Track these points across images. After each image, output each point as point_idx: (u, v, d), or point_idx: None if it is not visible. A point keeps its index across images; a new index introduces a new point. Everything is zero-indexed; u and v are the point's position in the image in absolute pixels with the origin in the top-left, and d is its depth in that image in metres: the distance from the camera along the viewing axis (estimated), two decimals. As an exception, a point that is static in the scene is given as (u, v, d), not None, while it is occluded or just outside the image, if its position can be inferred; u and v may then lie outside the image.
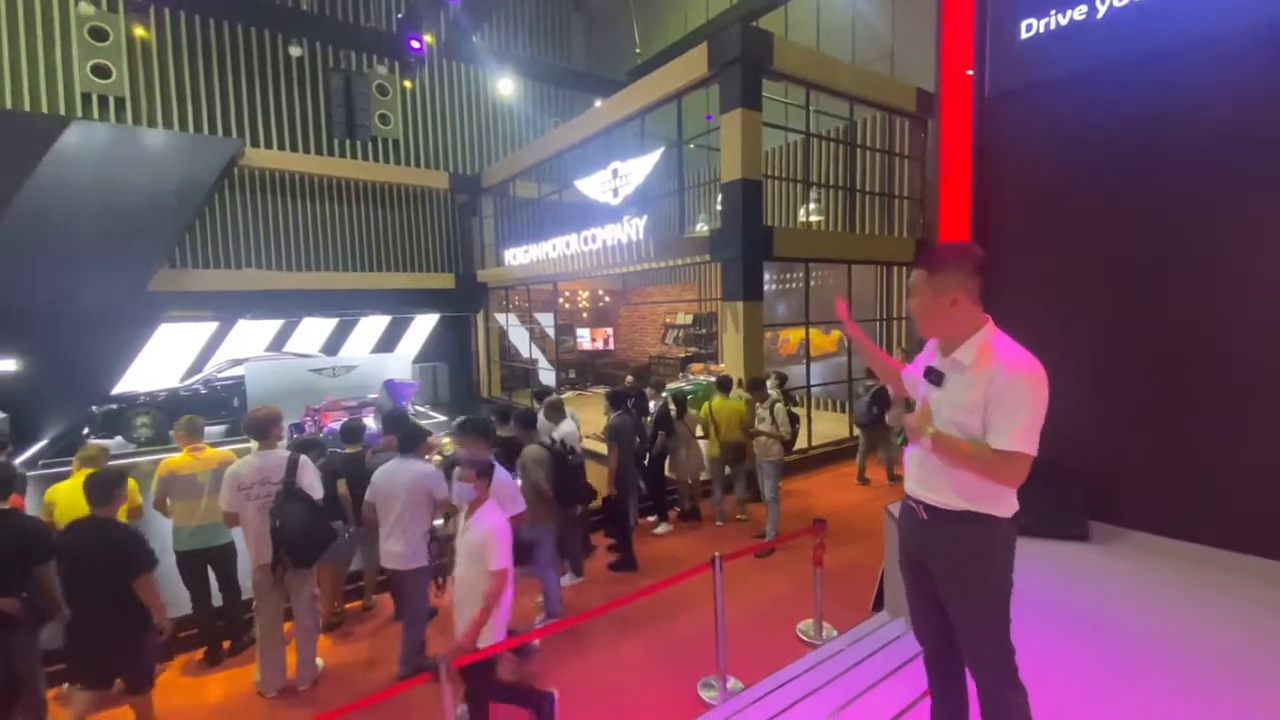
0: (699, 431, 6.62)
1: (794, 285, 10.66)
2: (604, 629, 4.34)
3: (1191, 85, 3.06)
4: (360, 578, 4.93)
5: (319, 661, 4.00)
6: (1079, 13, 3.30)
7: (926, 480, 1.95)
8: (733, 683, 3.55)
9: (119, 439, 10.47)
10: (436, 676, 2.50)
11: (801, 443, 7.94)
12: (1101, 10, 3.22)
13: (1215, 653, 2.52)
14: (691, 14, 15.06)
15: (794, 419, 6.10)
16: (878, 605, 4.11)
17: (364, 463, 4.82)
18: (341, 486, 4.45)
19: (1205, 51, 2.97)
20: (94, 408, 10.56)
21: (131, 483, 3.89)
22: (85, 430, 10.56)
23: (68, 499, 3.77)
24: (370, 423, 6.18)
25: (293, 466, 3.77)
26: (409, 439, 4.01)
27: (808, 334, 9.00)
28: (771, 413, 5.76)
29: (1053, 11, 3.42)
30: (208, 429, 6.51)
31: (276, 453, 3.82)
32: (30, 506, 3.80)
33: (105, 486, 3.20)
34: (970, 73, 3.72)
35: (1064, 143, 3.55)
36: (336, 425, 7.33)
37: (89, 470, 3.87)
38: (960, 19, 3.91)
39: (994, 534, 1.85)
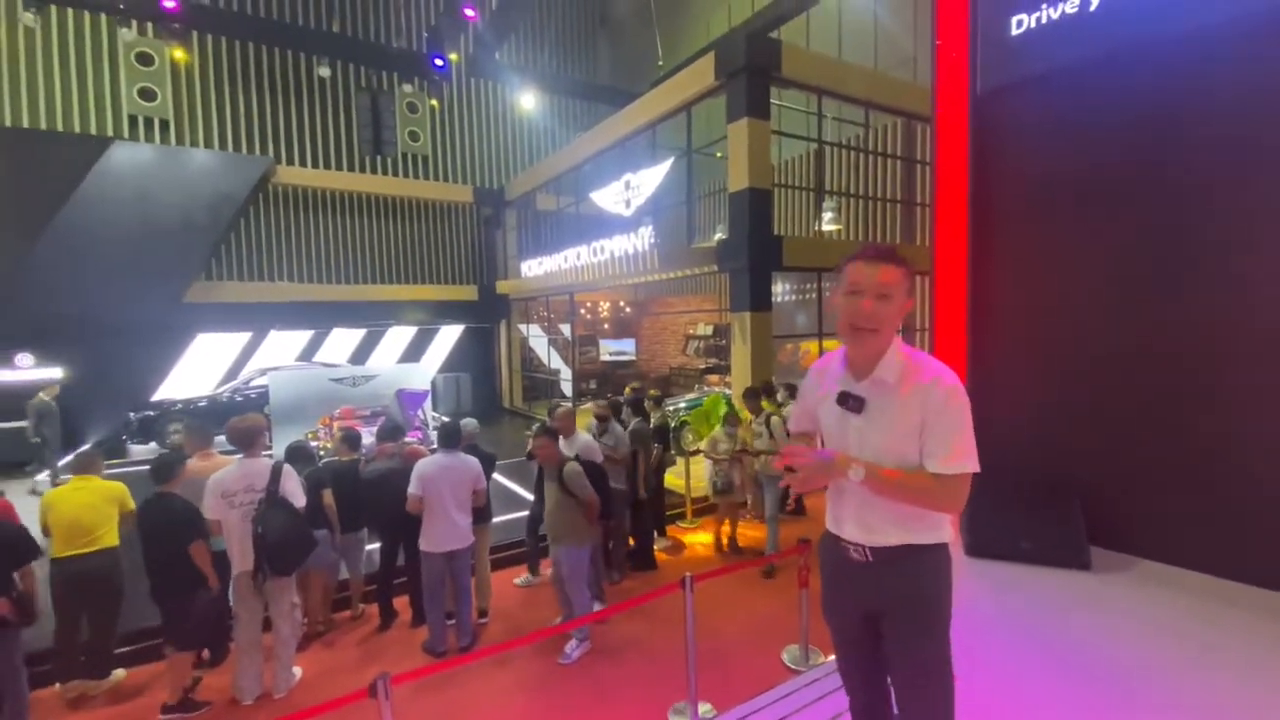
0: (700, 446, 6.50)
1: (815, 295, 10.44)
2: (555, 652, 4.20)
3: (1189, 77, 2.85)
4: (348, 587, 4.95)
5: (297, 670, 4.01)
6: (1070, 6, 3.13)
7: (860, 519, 1.71)
8: (705, 708, 3.41)
9: (153, 444, 10.90)
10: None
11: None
12: (1095, 3, 3.04)
13: (1226, 700, 2.29)
14: (714, 24, 15.05)
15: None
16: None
17: (358, 471, 4.88)
18: (327, 496, 4.49)
19: (1203, 43, 2.77)
20: (131, 414, 11.04)
21: (120, 486, 4.04)
22: (124, 436, 11.04)
23: (63, 501, 3.88)
24: (366, 434, 6.24)
25: (276, 474, 3.82)
26: (449, 434, 4.45)
27: (821, 345, 8.77)
28: (768, 427, 5.58)
29: (1044, 6, 3.25)
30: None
31: (260, 461, 3.88)
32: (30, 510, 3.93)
33: (165, 467, 3.77)
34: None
35: (1058, 137, 3.37)
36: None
37: (84, 475, 4.04)
38: (954, 17, 3.76)
39: (943, 564, 1.70)
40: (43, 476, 9.14)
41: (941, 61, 3.84)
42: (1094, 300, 3.37)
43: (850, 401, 1.67)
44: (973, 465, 1.56)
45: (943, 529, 1.70)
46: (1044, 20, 3.25)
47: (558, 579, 4.37)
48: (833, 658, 3.68)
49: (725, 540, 6.01)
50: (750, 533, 6.40)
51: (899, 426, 1.61)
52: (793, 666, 3.93)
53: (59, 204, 10.35)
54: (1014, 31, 3.39)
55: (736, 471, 5.77)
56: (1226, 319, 2.91)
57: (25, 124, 11.28)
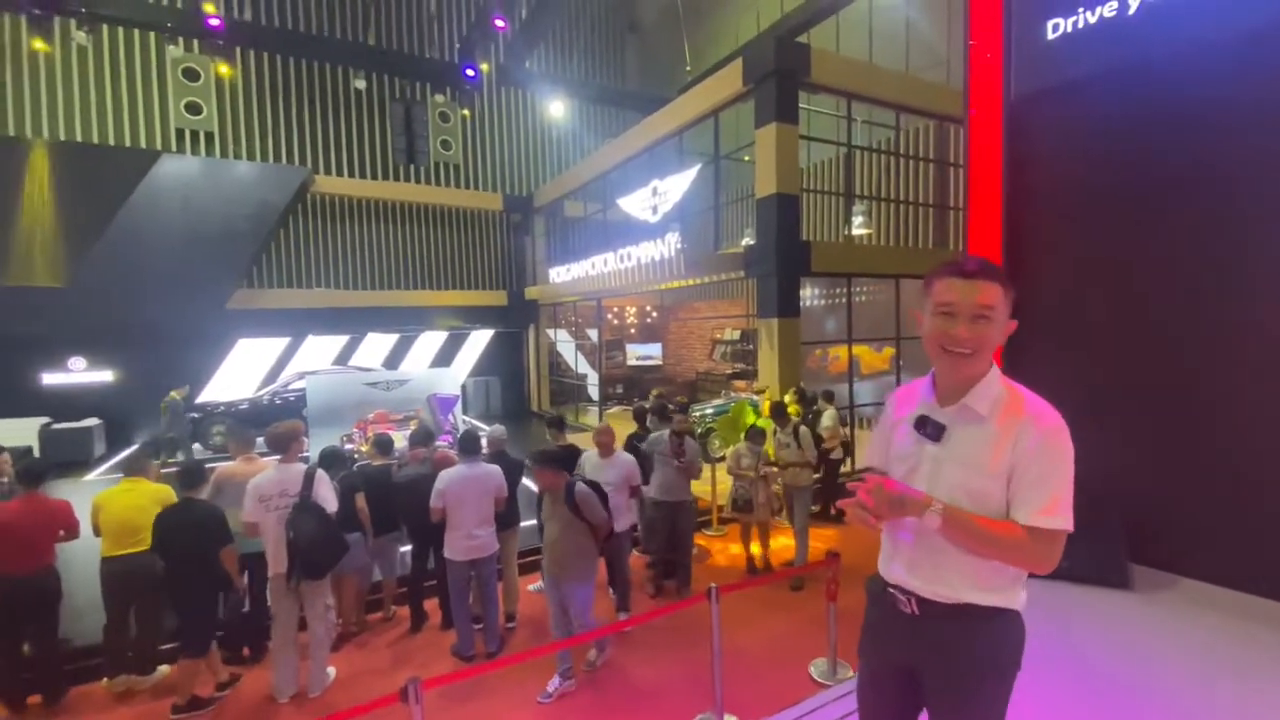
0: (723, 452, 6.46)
1: (844, 300, 10.32)
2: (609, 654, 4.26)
3: (1234, 81, 2.75)
4: (381, 589, 5.06)
5: (331, 670, 4.11)
6: (1109, 10, 3.04)
7: (921, 566, 1.50)
8: (730, 720, 3.40)
9: (197, 445, 11.30)
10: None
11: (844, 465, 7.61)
12: (1134, 6, 2.95)
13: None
14: (743, 29, 15.01)
15: (819, 441, 5.80)
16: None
17: (391, 475, 4.99)
18: (360, 500, 4.60)
19: (1248, 46, 2.66)
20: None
21: (165, 488, 4.20)
22: (170, 437, 11.49)
23: (113, 502, 4.06)
24: (398, 438, 6.37)
25: (309, 480, 3.93)
26: (469, 444, 4.47)
27: (850, 351, 8.65)
28: (796, 437, 5.51)
29: (1080, 10, 3.17)
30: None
31: (295, 466, 4.00)
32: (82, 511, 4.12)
33: (192, 475, 3.92)
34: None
35: (1098, 143, 3.28)
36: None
37: (135, 478, 4.21)
38: (988, 19, 3.70)
39: (1010, 634, 1.47)
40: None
41: (975, 63, 3.77)
42: (1137, 310, 3.27)
43: (929, 427, 1.49)
44: (1069, 524, 1.35)
45: (1016, 591, 1.47)
46: (1081, 24, 3.17)
47: (561, 623, 3.98)
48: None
49: (760, 562, 5.74)
50: (778, 541, 6.31)
51: (982, 464, 1.41)
52: (821, 680, 3.88)
53: (111, 215, 10.85)
54: (1049, 36, 3.32)
55: (761, 490, 5.52)
56: (1276, 331, 2.80)
57: (79, 138, 11.83)
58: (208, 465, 4.30)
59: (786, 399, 7.56)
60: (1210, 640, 2.70)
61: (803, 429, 5.55)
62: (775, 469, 5.59)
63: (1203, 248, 2.97)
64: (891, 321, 9.06)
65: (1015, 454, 1.38)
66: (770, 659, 4.22)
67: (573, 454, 5.31)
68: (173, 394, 10.33)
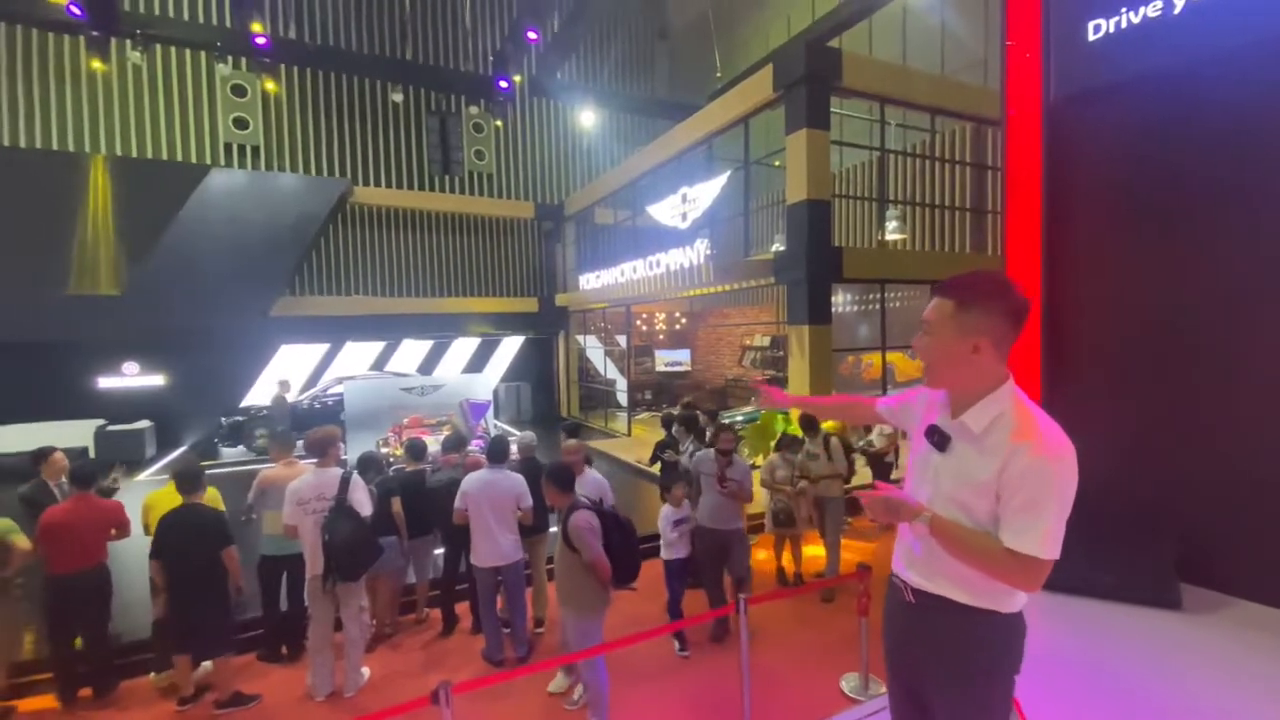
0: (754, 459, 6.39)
1: (878, 306, 10.15)
2: (627, 665, 4.23)
3: (1291, 81, 2.62)
4: (414, 591, 5.15)
5: (365, 670, 4.20)
6: (1153, 10, 2.94)
7: (916, 560, 1.61)
8: (758, 734, 3.35)
9: (240, 448, 11.71)
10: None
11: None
12: (1179, 6, 2.85)
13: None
14: (773, 34, 14.95)
15: (847, 449, 5.67)
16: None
17: (425, 480, 5.08)
18: (395, 504, 4.70)
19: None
20: (222, 419, 11.92)
21: (212, 490, 4.35)
22: (215, 439, 11.94)
23: (162, 503, 4.22)
24: (431, 442, 6.49)
25: (345, 484, 4.03)
26: (497, 451, 4.51)
27: (884, 358, 8.50)
28: (827, 449, 5.39)
29: (1123, 10, 3.07)
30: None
31: (332, 470, 4.11)
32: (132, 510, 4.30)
33: (192, 479, 4.00)
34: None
35: (1144, 146, 3.15)
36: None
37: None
38: (1026, 19, 3.61)
39: (994, 633, 1.52)
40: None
41: (1012, 63, 3.67)
42: (1187, 319, 3.13)
43: (935, 437, 1.57)
44: (1049, 553, 1.38)
45: (1009, 595, 1.51)
46: (1124, 25, 3.06)
47: (566, 643, 3.76)
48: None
49: (790, 574, 5.61)
50: (809, 550, 6.20)
51: (971, 477, 1.47)
52: (852, 696, 3.81)
53: (164, 226, 11.35)
54: (1090, 37, 3.22)
55: (804, 504, 5.37)
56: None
57: (134, 153, 12.43)
58: (250, 467, 4.44)
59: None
60: (1264, 665, 2.56)
61: (833, 439, 5.43)
62: (808, 482, 5.45)
63: (1257, 255, 2.83)
64: (927, 328, 8.85)
65: (1003, 476, 1.41)
66: (801, 672, 4.16)
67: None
68: (279, 392, 11.26)
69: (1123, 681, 2.55)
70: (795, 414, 6.74)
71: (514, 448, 5.33)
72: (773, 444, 5.83)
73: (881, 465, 7.42)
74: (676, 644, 4.47)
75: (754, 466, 6.40)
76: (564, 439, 5.27)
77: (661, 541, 4.66)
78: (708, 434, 6.57)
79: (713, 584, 4.68)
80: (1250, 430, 2.94)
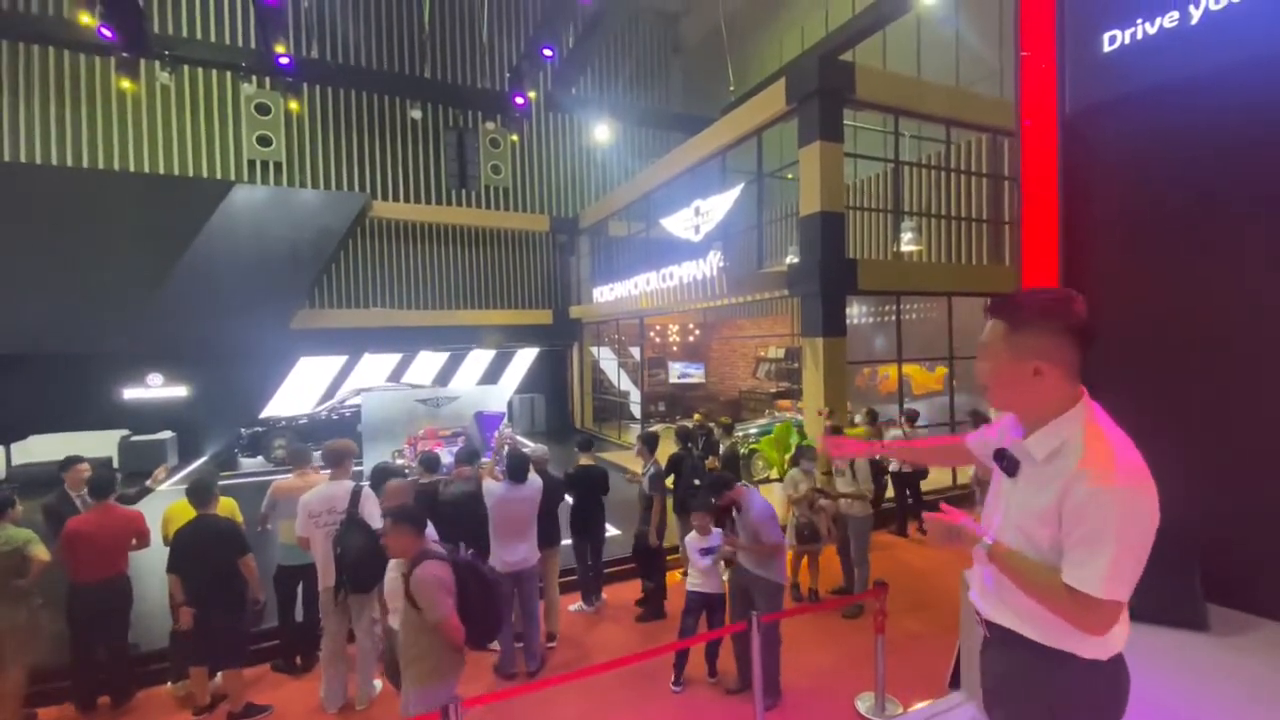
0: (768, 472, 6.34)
1: (893, 318, 10.07)
2: (630, 683, 4.18)
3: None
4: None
5: (377, 683, 4.20)
6: (1169, 20, 2.91)
7: (987, 591, 1.52)
8: (771, 754, 3.29)
9: (259, 458, 11.87)
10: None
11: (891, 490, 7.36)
12: (1196, 16, 2.82)
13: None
14: (787, 47, 15.01)
15: (879, 470, 5.59)
16: (954, 683, 3.67)
17: (438, 491, 5.10)
18: (408, 516, 4.71)
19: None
20: (242, 430, 12.09)
21: (228, 500, 4.41)
22: (235, 449, 12.11)
23: (181, 515, 4.28)
24: (443, 455, 6.53)
25: (355, 497, 4.06)
26: (518, 468, 4.52)
27: (900, 371, 8.41)
28: (851, 467, 5.31)
29: (1139, 21, 3.04)
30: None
31: (343, 483, 4.14)
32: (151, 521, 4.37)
33: (204, 492, 4.01)
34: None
35: (1162, 158, 3.11)
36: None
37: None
38: (1040, 30, 3.59)
39: (1072, 679, 1.37)
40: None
41: (1027, 74, 3.66)
42: (1211, 332, 3.07)
43: (1004, 461, 1.51)
44: (1115, 594, 1.25)
45: (1079, 638, 1.35)
46: (1139, 36, 3.04)
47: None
48: (914, 708, 3.50)
49: (805, 590, 5.52)
50: (824, 564, 6.10)
51: (1035, 505, 1.39)
52: (867, 716, 3.74)
53: (188, 241, 11.61)
54: (1106, 48, 3.19)
55: (823, 520, 5.29)
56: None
57: (161, 170, 12.76)
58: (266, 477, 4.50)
59: (857, 419, 7.44)
60: (1300, 692, 2.47)
61: (859, 460, 5.25)
62: (829, 501, 5.38)
63: (1278, 266, 2.77)
64: (944, 340, 8.77)
65: (1065, 505, 1.32)
66: (815, 690, 4.08)
67: (589, 474, 5.34)
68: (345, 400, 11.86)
69: (1149, 701, 2.47)
70: (811, 426, 6.68)
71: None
72: (787, 458, 5.78)
73: (909, 479, 7.06)
74: (673, 675, 4.15)
75: (765, 479, 6.36)
76: (580, 455, 5.45)
77: (689, 568, 4.25)
78: (721, 447, 6.57)
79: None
80: (1276, 445, 2.86)
